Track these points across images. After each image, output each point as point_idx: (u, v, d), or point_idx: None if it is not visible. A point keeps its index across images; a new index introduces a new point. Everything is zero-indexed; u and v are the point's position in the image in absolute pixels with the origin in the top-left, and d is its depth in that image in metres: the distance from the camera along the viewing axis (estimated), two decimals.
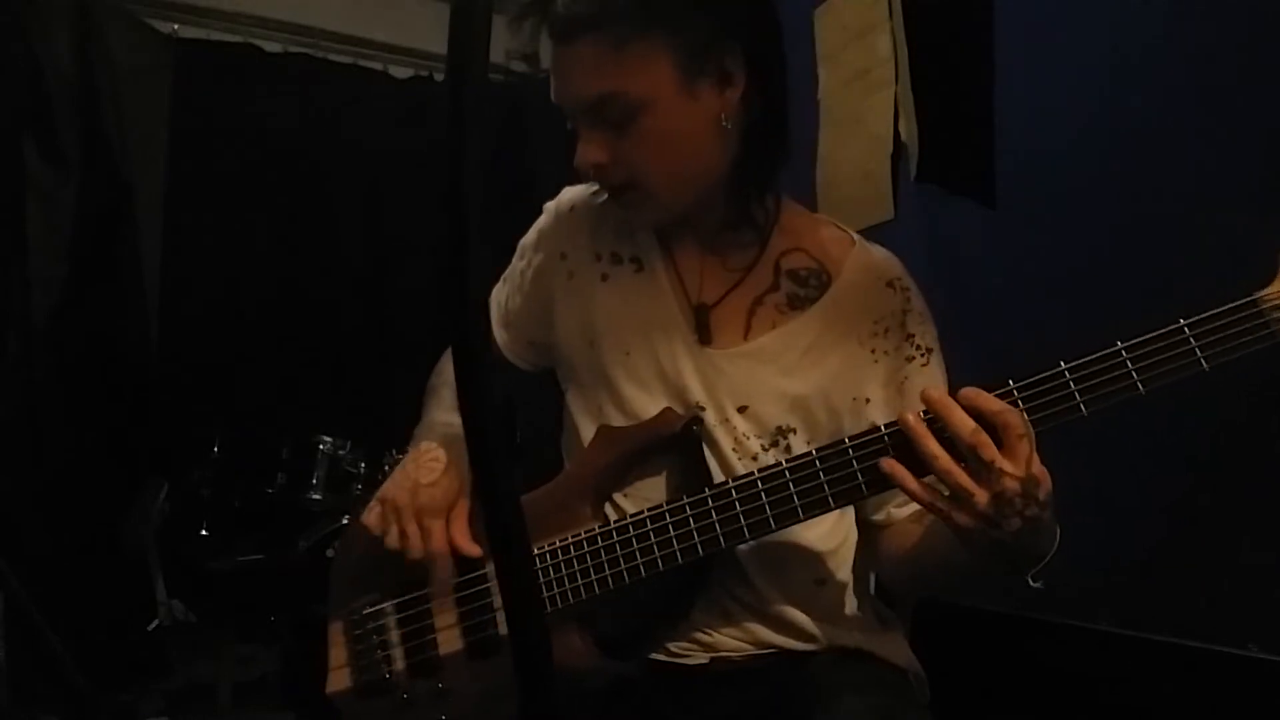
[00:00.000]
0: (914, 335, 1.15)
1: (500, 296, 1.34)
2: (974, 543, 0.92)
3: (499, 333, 1.33)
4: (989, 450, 0.87)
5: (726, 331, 1.16)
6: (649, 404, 1.15)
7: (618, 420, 1.17)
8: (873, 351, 1.14)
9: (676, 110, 1.05)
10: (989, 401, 0.90)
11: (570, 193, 1.29)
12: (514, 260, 1.33)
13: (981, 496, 0.87)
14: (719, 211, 1.16)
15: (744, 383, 1.13)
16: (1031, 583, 0.95)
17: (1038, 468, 0.88)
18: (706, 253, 1.19)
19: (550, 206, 1.30)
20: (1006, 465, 0.87)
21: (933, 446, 0.90)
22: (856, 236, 1.23)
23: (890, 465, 0.93)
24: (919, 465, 0.92)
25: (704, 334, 1.15)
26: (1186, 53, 1.49)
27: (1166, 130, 1.50)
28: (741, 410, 1.13)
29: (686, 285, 1.18)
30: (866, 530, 1.20)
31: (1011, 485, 0.86)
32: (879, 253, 1.21)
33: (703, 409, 1.13)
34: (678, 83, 1.04)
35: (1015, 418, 0.88)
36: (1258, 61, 1.39)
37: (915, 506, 1.12)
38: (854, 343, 1.14)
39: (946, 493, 0.90)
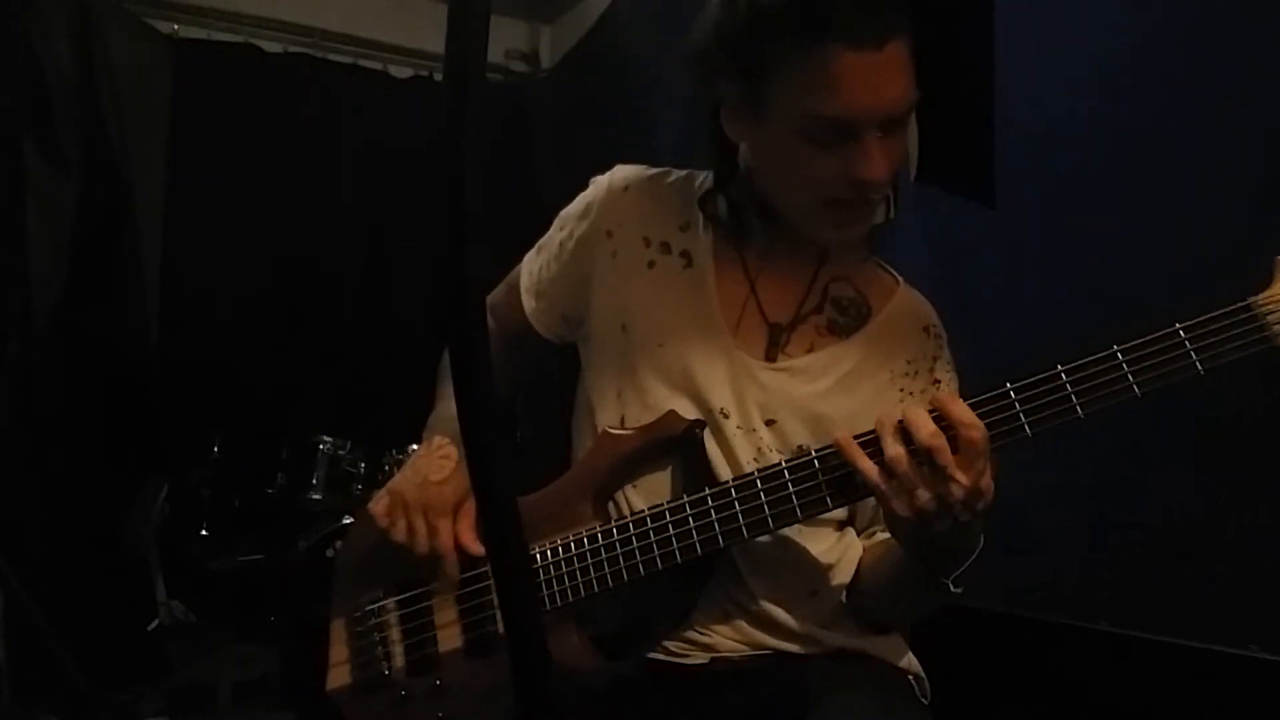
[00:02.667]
0: (941, 382, 1.18)
1: (534, 265, 1.30)
2: (901, 533, 0.98)
3: (528, 300, 1.29)
4: (944, 456, 0.90)
5: (766, 345, 1.16)
6: (670, 400, 1.14)
7: (634, 409, 1.16)
8: (901, 390, 1.15)
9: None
10: (962, 412, 0.92)
11: (624, 171, 1.25)
12: (552, 230, 1.29)
13: (923, 494, 0.91)
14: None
15: (776, 397, 1.13)
16: (953, 588, 0.99)
17: (986, 483, 0.92)
18: (767, 267, 1.19)
19: (602, 180, 1.26)
20: (958, 474, 0.90)
21: (888, 436, 0.93)
22: (900, 279, 1.24)
23: (845, 440, 0.96)
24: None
25: (772, 351, 1.15)
26: (1186, 53, 1.49)
27: (1167, 130, 1.50)
28: (769, 423, 1.13)
29: (756, 295, 1.18)
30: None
31: (956, 492, 0.90)
32: (919, 298, 1.24)
33: (727, 415, 1.13)
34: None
35: (978, 434, 0.91)
36: (1258, 62, 1.39)
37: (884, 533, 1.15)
38: (885, 378, 1.16)
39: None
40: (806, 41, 0.97)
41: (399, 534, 1.11)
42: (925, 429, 0.91)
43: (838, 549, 1.17)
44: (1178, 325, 0.90)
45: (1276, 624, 1.30)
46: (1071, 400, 0.92)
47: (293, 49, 3.63)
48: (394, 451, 2.70)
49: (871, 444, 0.95)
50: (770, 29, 0.99)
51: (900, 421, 0.94)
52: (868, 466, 0.94)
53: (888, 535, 1.13)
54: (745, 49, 1.03)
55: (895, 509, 0.94)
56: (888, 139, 1.02)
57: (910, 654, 1.20)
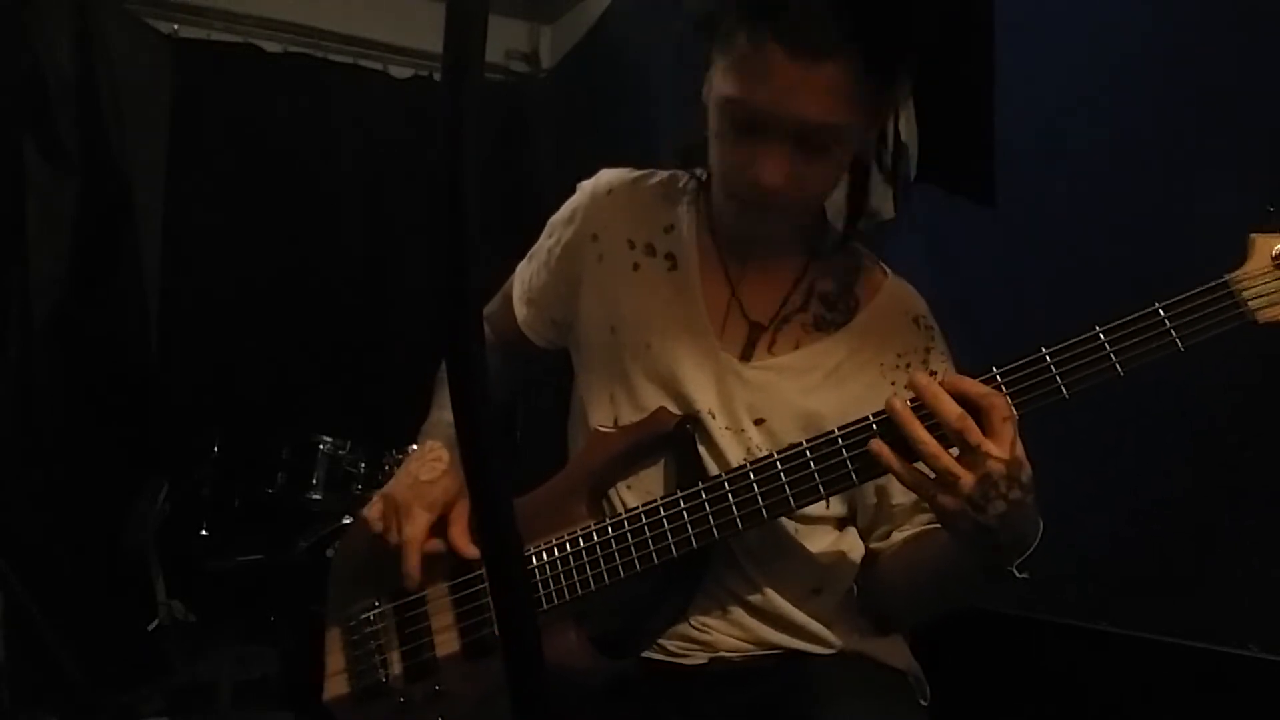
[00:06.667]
0: (936, 373, 1.15)
1: (525, 273, 1.31)
2: (960, 530, 0.93)
3: (520, 308, 1.30)
4: (975, 435, 0.89)
5: (744, 344, 1.16)
6: (660, 401, 1.14)
7: (627, 411, 1.16)
8: (893, 384, 1.15)
9: (857, 142, 1.08)
10: (973, 386, 0.92)
11: (609, 175, 1.27)
12: (542, 237, 1.30)
13: (967, 479, 0.89)
14: (799, 229, 1.18)
15: (764, 396, 1.13)
16: (1018, 574, 0.96)
17: (1020, 451, 0.90)
18: (749, 266, 1.19)
19: (586, 185, 1.27)
20: (991, 447, 0.89)
21: (919, 431, 0.91)
22: (889, 270, 1.24)
23: (877, 446, 0.94)
24: (908, 452, 0.93)
25: (748, 351, 1.15)
26: (1186, 53, 1.49)
27: (1166, 130, 1.50)
28: (758, 423, 1.13)
29: (738, 296, 1.18)
30: (867, 555, 1.19)
31: (996, 467, 0.88)
32: (907, 289, 1.23)
33: (714, 415, 1.13)
34: (868, 117, 1.06)
35: (1000, 400, 0.90)
36: (1257, 61, 1.39)
37: (913, 529, 1.14)
38: (875, 372, 1.15)
39: (933, 476, 0.92)
40: (747, 28, 0.99)
41: (392, 537, 1.11)
42: (952, 411, 0.90)
43: (839, 547, 1.17)
44: (1157, 304, 0.92)
45: (1276, 624, 1.30)
46: (1056, 381, 0.93)
47: (293, 49, 3.62)
48: (394, 452, 2.70)
49: (890, 436, 0.94)
50: (729, 9, 1.01)
51: (917, 411, 0.92)
52: (903, 470, 0.93)
53: (912, 534, 1.13)
54: (712, 25, 1.05)
55: (944, 504, 0.91)
56: (803, 155, 1.02)
57: (909, 655, 1.20)
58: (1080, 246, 1.63)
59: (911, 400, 0.93)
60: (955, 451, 0.90)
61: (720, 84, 1.03)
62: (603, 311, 1.20)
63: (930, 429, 0.91)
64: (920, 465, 0.92)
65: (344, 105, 3.65)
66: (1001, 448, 0.89)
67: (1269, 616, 1.31)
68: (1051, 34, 1.70)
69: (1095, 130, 1.61)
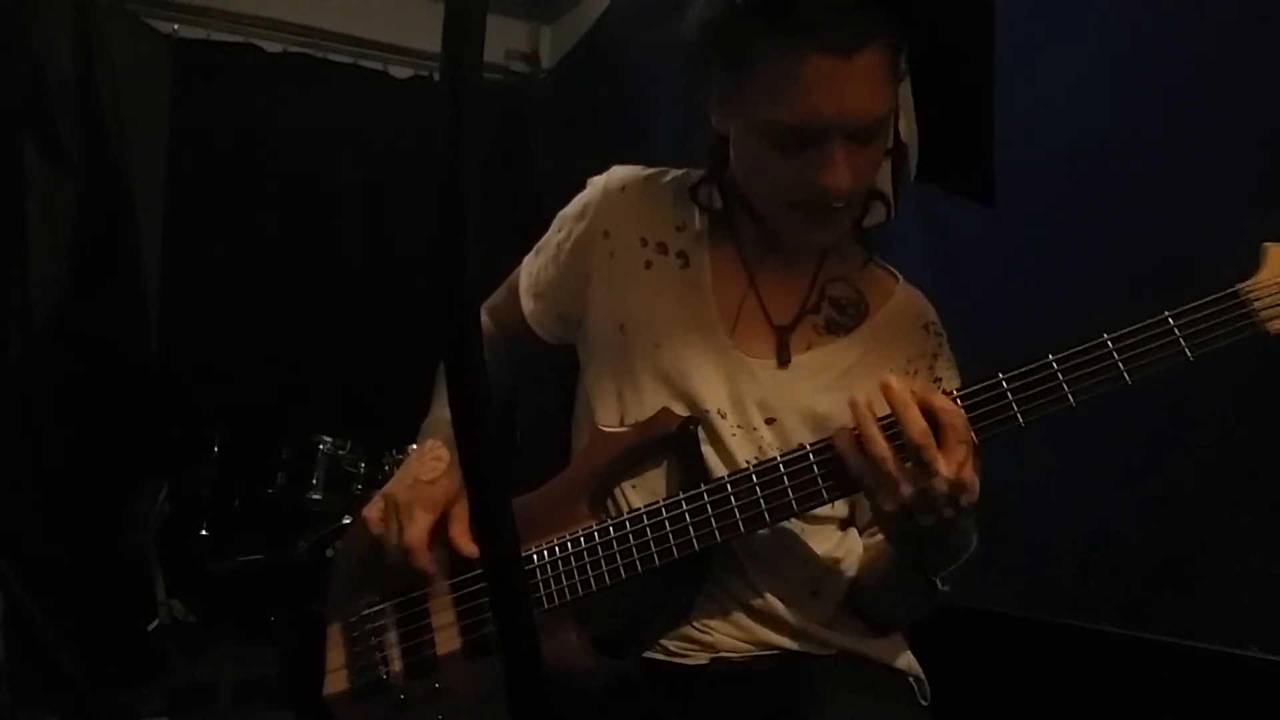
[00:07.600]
0: (941, 380, 1.17)
1: (533, 266, 1.30)
2: (887, 528, 0.98)
3: (527, 302, 1.29)
4: (931, 453, 0.90)
5: (765, 344, 1.16)
6: (667, 401, 1.14)
7: (633, 409, 1.16)
8: None
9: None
10: (940, 401, 0.93)
11: (622, 171, 1.26)
12: (550, 231, 1.29)
13: (906, 489, 0.91)
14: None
15: (776, 396, 1.13)
16: (940, 585, 0.99)
17: (968, 474, 0.91)
18: (765, 267, 1.19)
19: (598, 181, 1.26)
20: (940, 465, 0.90)
21: (872, 430, 0.93)
22: (900, 277, 1.24)
23: (841, 434, 0.96)
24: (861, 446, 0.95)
25: (784, 354, 1.15)
26: (1186, 52, 1.49)
27: (1166, 130, 1.50)
28: (769, 422, 1.13)
29: (757, 297, 1.18)
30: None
31: (939, 485, 0.90)
32: (919, 295, 1.23)
33: (724, 415, 1.13)
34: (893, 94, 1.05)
35: (959, 421, 0.92)
36: (1257, 61, 1.38)
37: None
38: (885, 376, 1.15)
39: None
40: (775, 40, 0.97)
41: (393, 539, 1.11)
42: (917, 427, 0.91)
43: (841, 549, 1.17)
44: (1166, 313, 0.91)
45: (1276, 624, 1.30)
46: (1063, 389, 0.93)
47: (293, 49, 3.63)
48: (394, 451, 2.70)
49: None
50: (744, 23, 0.99)
51: (887, 416, 0.94)
52: (858, 463, 0.94)
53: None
54: (722, 40, 1.03)
55: (880, 503, 0.94)
56: (856, 148, 1.01)
57: (910, 655, 1.20)
58: (1080, 247, 1.63)
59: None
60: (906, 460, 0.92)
61: (760, 107, 1.01)
62: (612, 309, 1.20)
63: (891, 436, 0.93)
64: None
65: (344, 105, 3.65)
66: (948, 467, 0.90)
67: (1269, 616, 1.31)
68: (1051, 34, 1.70)
69: (1095, 130, 1.61)
